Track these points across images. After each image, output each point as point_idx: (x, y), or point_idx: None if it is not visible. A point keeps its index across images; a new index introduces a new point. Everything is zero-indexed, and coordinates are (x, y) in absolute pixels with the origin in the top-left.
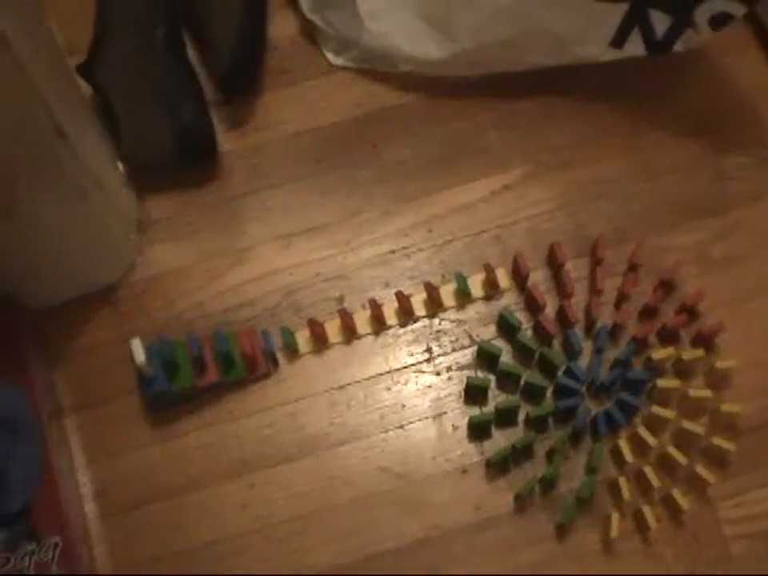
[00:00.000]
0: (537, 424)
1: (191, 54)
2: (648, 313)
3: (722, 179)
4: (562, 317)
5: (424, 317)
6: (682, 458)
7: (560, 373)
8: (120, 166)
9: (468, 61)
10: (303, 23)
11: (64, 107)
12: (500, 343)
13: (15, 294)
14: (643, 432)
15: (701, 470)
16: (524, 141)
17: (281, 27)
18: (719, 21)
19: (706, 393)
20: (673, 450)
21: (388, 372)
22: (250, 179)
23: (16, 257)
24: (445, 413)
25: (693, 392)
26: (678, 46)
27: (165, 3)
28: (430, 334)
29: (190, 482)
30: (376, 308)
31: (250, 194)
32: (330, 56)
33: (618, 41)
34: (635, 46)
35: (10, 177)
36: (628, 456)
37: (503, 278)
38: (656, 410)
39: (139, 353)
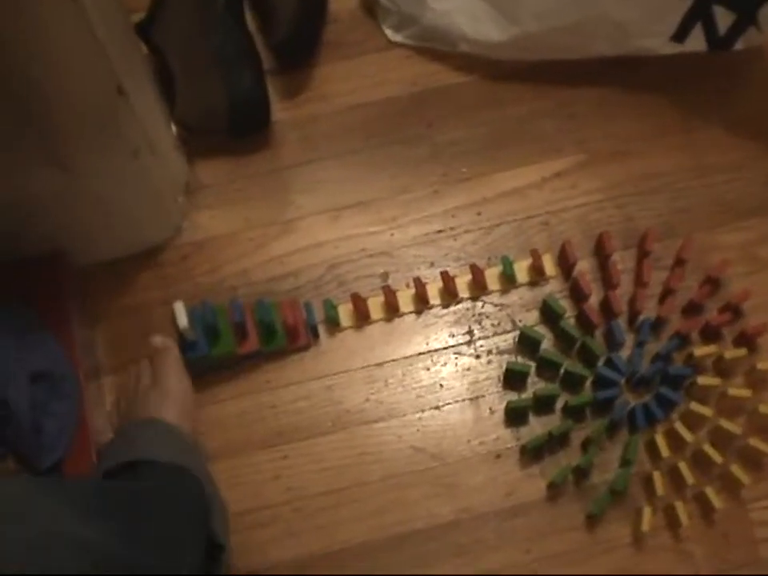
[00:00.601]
0: (574, 413)
1: (250, 21)
2: (692, 309)
3: None
4: (607, 307)
5: (467, 299)
6: (717, 457)
7: (600, 363)
8: (173, 128)
9: (528, 45)
10: None
11: (125, 65)
12: (542, 330)
13: (63, 249)
14: (680, 428)
15: (735, 469)
16: (579, 130)
17: (341, 0)
18: None
19: (746, 393)
20: (709, 448)
21: (428, 352)
22: (301, 150)
23: (68, 211)
24: (482, 396)
25: (732, 391)
26: (740, 44)
27: None
28: (473, 316)
29: (224, 449)
30: (420, 287)
31: (301, 165)
32: (389, 32)
33: (680, 35)
34: (696, 41)
35: (70, 130)
36: (664, 451)
37: (549, 265)
38: (694, 406)
39: (182, 316)
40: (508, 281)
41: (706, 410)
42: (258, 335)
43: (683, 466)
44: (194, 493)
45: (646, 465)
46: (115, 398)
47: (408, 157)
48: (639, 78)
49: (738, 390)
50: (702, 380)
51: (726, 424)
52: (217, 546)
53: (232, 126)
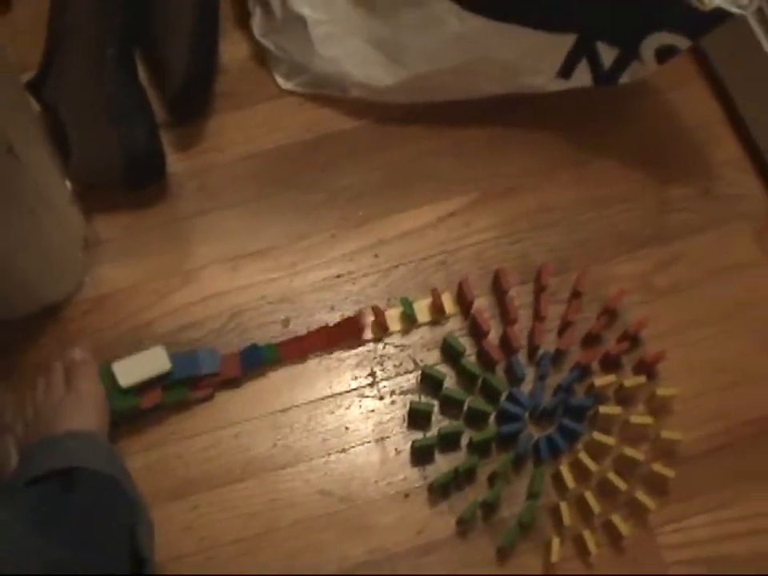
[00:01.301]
0: (479, 449)
1: (142, 75)
2: (591, 340)
3: (665, 210)
4: (506, 343)
5: (369, 341)
6: (622, 484)
7: (503, 398)
8: (68, 184)
9: (417, 88)
10: (254, 47)
11: (15, 124)
12: (444, 368)
13: None
14: (584, 458)
15: (641, 496)
16: (472, 168)
17: (232, 51)
18: (665, 54)
19: (647, 419)
20: (613, 476)
21: (332, 396)
22: (198, 201)
23: None
24: (388, 437)
25: (634, 419)
26: (625, 78)
27: (117, 23)
28: (374, 358)
29: None
30: (323, 331)
31: (199, 215)
32: (280, 80)
33: (566, 71)
34: (582, 77)
35: None
36: (569, 482)
37: (449, 304)
38: (597, 436)
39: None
40: (409, 321)
41: (608, 439)
42: (162, 388)
43: (589, 496)
44: (127, 504)
45: (553, 496)
46: (18, 411)
47: (304, 203)
48: (529, 114)
49: (639, 417)
50: (603, 409)
51: (629, 451)
52: (142, 559)
53: (128, 180)
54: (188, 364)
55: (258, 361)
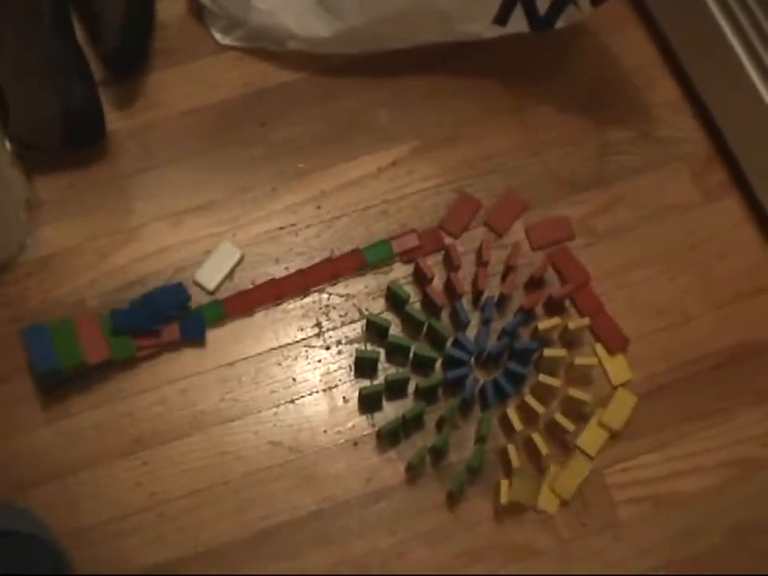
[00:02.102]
0: (426, 395)
1: (79, 33)
2: (534, 284)
3: (605, 154)
4: (450, 289)
5: (313, 292)
6: (569, 425)
7: (448, 344)
8: (7, 144)
9: (354, 39)
10: (191, 3)
11: None
12: (389, 316)
13: None
14: (531, 401)
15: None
16: (412, 118)
17: (169, 7)
18: None
19: (592, 360)
20: (560, 418)
21: (278, 347)
22: (139, 158)
23: None
24: (335, 386)
25: (579, 360)
26: (561, 22)
27: None
28: (320, 308)
29: (83, 462)
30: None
31: (140, 172)
32: (217, 35)
33: (502, 18)
34: (518, 23)
35: None
36: (516, 424)
37: None
38: (543, 378)
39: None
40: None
41: (554, 381)
42: (107, 344)
43: (537, 437)
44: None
45: (501, 439)
46: None
47: (245, 157)
48: (468, 62)
49: (584, 358)
50: (548, 352)
51: (575, 393)
52: None
53: (67, 139)
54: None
55: (200, 330)
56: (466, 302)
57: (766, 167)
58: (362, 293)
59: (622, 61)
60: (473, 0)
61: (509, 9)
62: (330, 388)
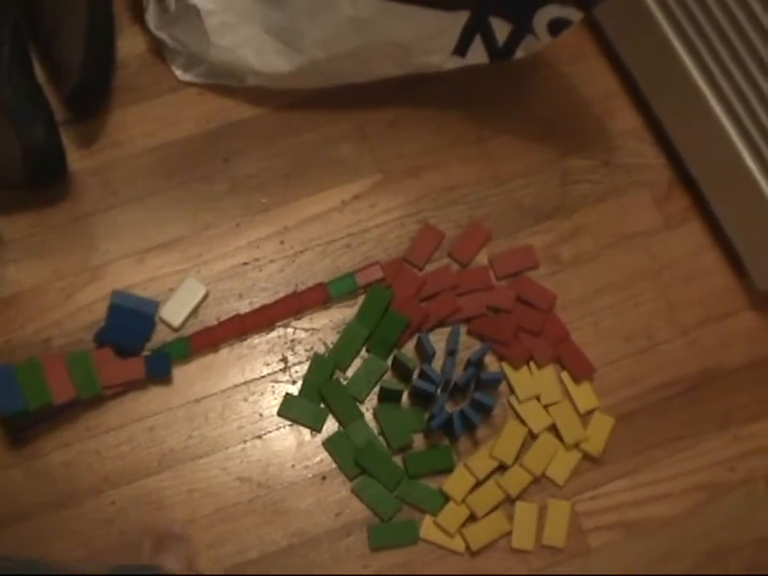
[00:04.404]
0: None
1: (38, 72)
2: (500, 314)
3: (567, 182)
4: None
5: (278, 327)
6: (539, 458)
7: (414, 376)
8: None
9: (316, 73)
10: (151, 40)
11: None
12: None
13: None
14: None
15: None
16: (374, 150)
17: (129, 44)
18: (557, 26)
19: (558, 397)
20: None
21: (244, 383)
22: (101, 197)
23: None
24: None
25: (544, 398)
26: (520, 53)
27: (8, 19)
28: (285, 343)
29: (53, 501)
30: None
31: (102, 211)
32: (178, 72)
33: (461, 49)
34: (478, 54)
35: None
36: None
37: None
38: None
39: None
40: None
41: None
42: (74, 384)
43: (512, 473)
44: None
45: (476, 473)
46: None
47: (208, 193)
48: (429, 94)
49: (550, 395)
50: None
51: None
52: None
53: (28, 179)
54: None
55: (165, 366)
56: (431, 334)
57: (727, 192)
58: (327, 326)
59: (582, 90)
60: (432, 32)
61: (468, 40)
62: (297, 422)
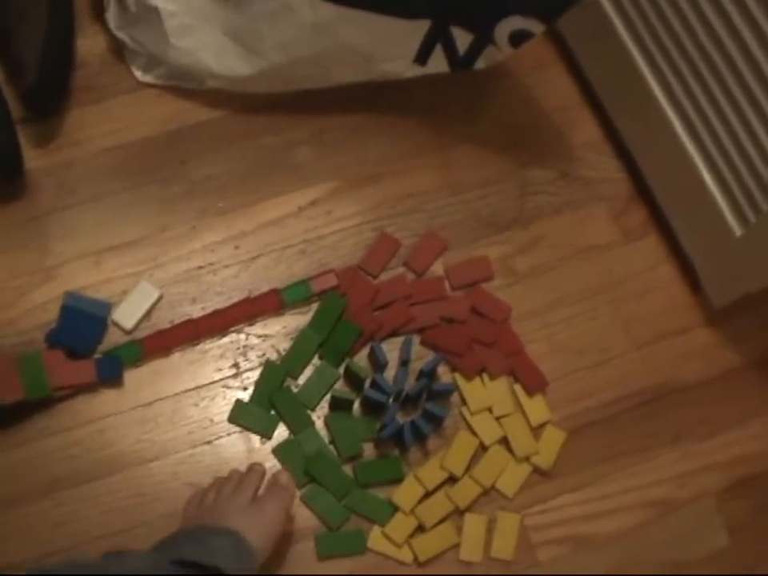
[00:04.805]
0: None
1: None
2: (454, 324)
3: (526, 193)
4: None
5: (231, 332)
6: (490, 470)
7: (366, 385)
8: None
9: (275, 77)
10: (111, 40)
11: None
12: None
13: None
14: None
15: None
16: (333, 156)
17: (89, 44)
18: (518, 38)
19: (510, 409)
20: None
21: (195, 388)
22: (58, 196)
23: None
24: None
25: (496, 410)
26: (480, 63)
27: None
28: (237, 349)
29: (5, 501)
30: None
31: (58, 211)
32: (138, 73)
33: (422, 57)
34: (439, 63)
35: None
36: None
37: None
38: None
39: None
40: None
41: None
42: (23, 384)
43: (462, 484)
44: None
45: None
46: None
47: (165, 195)
48: (389, 101)
49: (502, 408)
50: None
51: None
52: None
53: None
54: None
55: (116, 370)
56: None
57: (684, 208)
58: (280, 333)
59: (543, 101)
60: (393, 40)
61: (429, 49)
62: (248, 429)
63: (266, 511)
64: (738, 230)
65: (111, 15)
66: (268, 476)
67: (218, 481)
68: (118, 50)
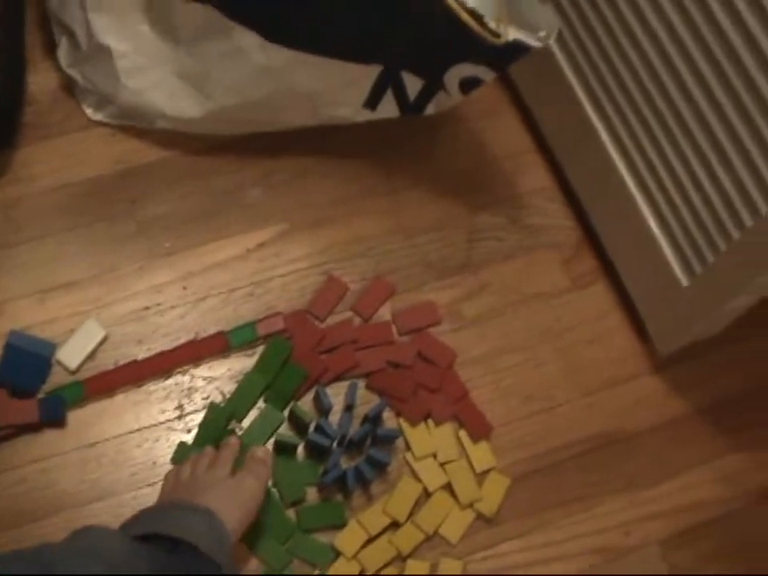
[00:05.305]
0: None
1: None
2: (400, 369)
3: (475, 239)
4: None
5: (176, 374)
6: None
7: (311, 429)
8: None
9: (226, 120)
10: (63, 77)
11: None
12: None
13: None
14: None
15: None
16: (283, 198)
17: (40, 80)
18: (469, 85)
19: (454, 455)
20: (444, 530)
21: (139, 429)
22: (4, 233)
23: None
24: None
25: (441, 456)
26: (431, 109)
27: None
28: (182, 391)
29: None
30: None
31: (4, 248)
32: (89, 111)
33: (372, 102)
34: (389, 108)
35: None
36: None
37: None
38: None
39: None
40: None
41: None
42: None
43: (405, 530)
44: None
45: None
46: (179, 467)
47: (113, 235)
48: (339, 144)
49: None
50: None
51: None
52: None
53: None
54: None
55: (59, 410)
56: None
57: (632, 257)
58: (226, 375)
59: (494, 147)
60: (343, 84)
61: (379, 94)
62: None
63: (244, 486)
64: (684, 281)
65: (63, 52)
66: None
67: (193, 457)
68: (70, 88)
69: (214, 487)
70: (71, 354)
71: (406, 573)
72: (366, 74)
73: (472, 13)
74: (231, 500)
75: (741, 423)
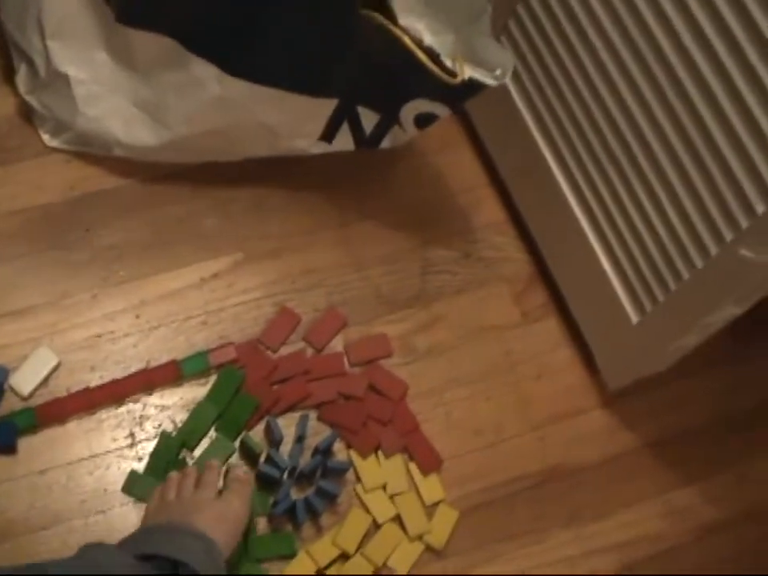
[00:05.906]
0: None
1: None
2: (351, 401)
3: (427, 272)
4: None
5: (128, 402)
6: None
7: (261, 460)
8: None
9: (182, 149)
10: (20, 103)
11: None
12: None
13: None
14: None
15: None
16: (237, 229)
17: None
18: (424, 120)
19: (404, 488)
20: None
21: (90, 457)
22: None
23: None
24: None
25: (391, 488)
26: (386, 143)
27: None
28: (134, 419)
29: None
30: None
31: None
32: (45, 137)
33: (328, 135)
34: (344, 141)
35: None
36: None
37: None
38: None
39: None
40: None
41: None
42: None
43: (354, 561)
44: None
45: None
46: (163, 486)
47: (67, 262)
48: (294, 175)
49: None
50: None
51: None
52: None
53: None
54: None
55: (10, 436)
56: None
57: (583, 293)
58: (178, 404)
59: (448, 181)
60: (300, 117)
61: (335, 127)
62: (142, 500)
63: (231, 508)
64: (634, 317)
65: (21, 79)
66: None
67: (174, 477)
68: (27, 114)
69: (202, 510)
70: (24, 380)
71: None
72: (323, 108)
73: (428, 51)
74: (219, 523)
75: (687, 458)
